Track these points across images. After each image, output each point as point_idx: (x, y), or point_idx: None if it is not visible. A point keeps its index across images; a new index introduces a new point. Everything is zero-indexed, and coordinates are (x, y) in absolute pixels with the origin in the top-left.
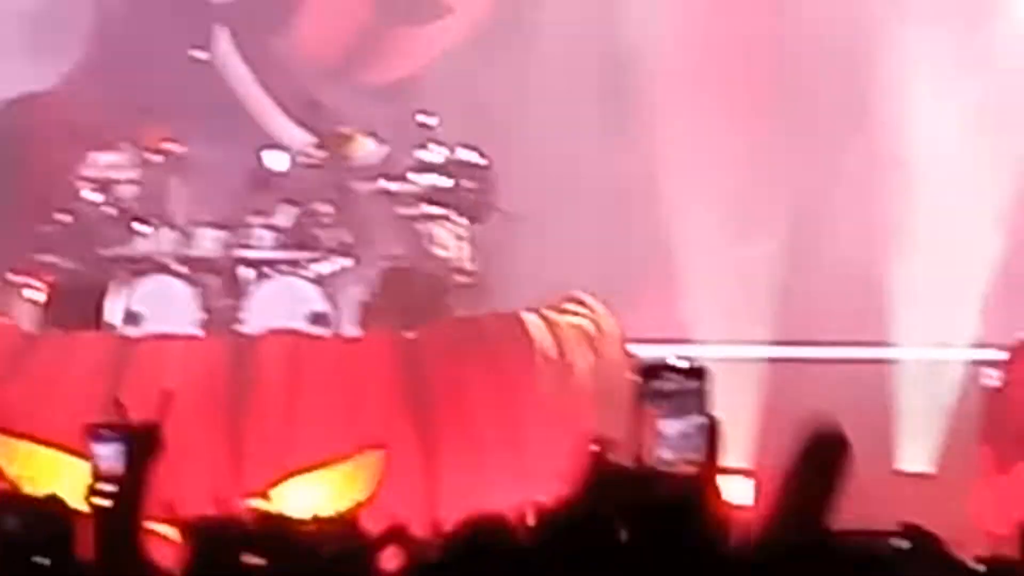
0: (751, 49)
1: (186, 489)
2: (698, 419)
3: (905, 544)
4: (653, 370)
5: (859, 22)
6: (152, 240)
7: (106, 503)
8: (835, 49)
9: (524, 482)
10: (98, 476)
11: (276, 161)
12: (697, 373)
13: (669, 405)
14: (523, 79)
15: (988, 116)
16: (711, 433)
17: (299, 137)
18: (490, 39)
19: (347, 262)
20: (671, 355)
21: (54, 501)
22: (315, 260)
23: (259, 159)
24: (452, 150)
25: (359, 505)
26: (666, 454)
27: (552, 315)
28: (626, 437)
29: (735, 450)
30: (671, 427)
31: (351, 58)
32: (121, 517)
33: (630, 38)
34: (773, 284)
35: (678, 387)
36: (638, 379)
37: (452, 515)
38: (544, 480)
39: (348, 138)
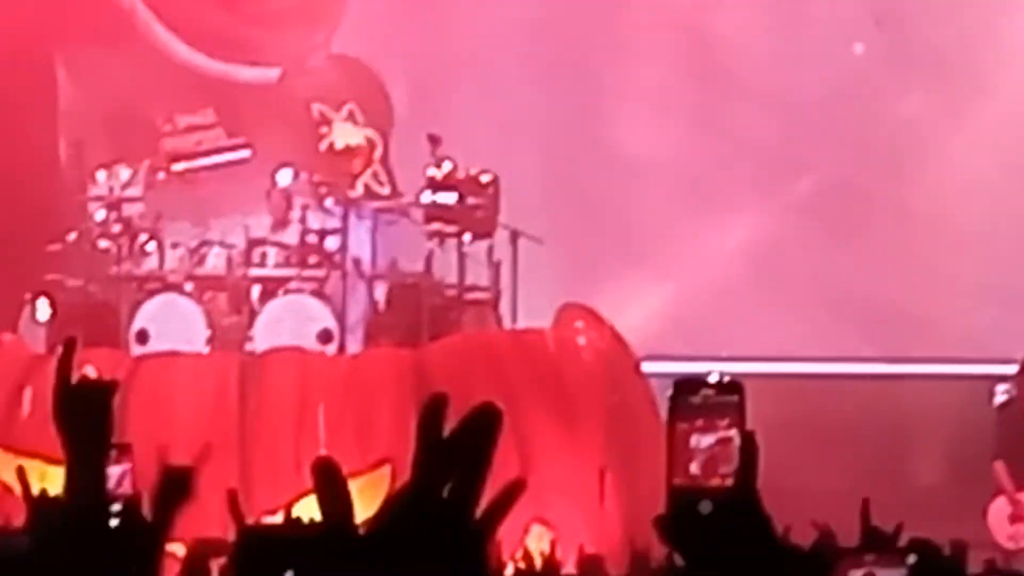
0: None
1: (197, 508)
2: (732, 433)
3: (913, 558)
4: (686, 384)
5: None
6: (159, 258)
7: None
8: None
9: (533, 500)
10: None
11: (283, 177)
12: (731, 388)
13: (703, 420)
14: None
15: None
16: (746, 448)
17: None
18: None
19: (354, 278)
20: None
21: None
22: (323, 278)
23: (271, 176)
24: (459, 167)
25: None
26: (698, 469)
27: (561, 332)
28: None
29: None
30: (704, 442)
31: None
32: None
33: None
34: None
35: (712, 401)
36: (670, 393)
37: None
38: (552, 499)
39: (353, 153)
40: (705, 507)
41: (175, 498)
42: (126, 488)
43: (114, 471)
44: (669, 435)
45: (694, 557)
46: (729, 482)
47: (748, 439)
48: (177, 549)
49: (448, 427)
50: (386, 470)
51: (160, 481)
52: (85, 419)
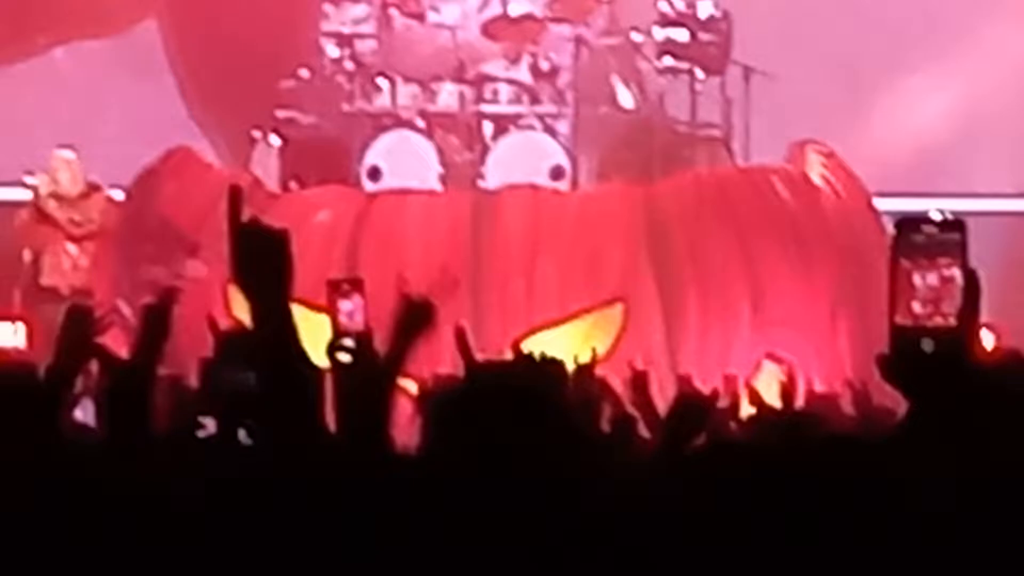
0: None
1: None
2: (955, 272)
3: None
4: (909, 223)
5: None
6: (392, 95)
7: (347, 359)
8: None
9: (765, 338)
10: (340, 332)
11: (516, 9)
12: (954, 225)
13: (925, 258)
14: None
15: None
16: (968, 286)
17: None
18: None
19: (587, 115)
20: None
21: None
22: (555, 114)
23: (503, 7)
24: (691, 3)
25: (599, 359)
26: (921, 308)
27: (793, 169)
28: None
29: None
30: (927, 280)
31: None
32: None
33: None
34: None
35: (934, 239)
36: (894, 232)
37: (692, 371)
38: (784, 336)
39: None
40: (927, 346)
41: (414, 329)
42: (357, 323)
43: (345, 306)
44: (891, 273)
45: (916, 396)
46: (952, 322)
47: (971, 278)
48: (410, 386)
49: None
50: (617, 308)
51: (399, 311)
52: (263, 266)
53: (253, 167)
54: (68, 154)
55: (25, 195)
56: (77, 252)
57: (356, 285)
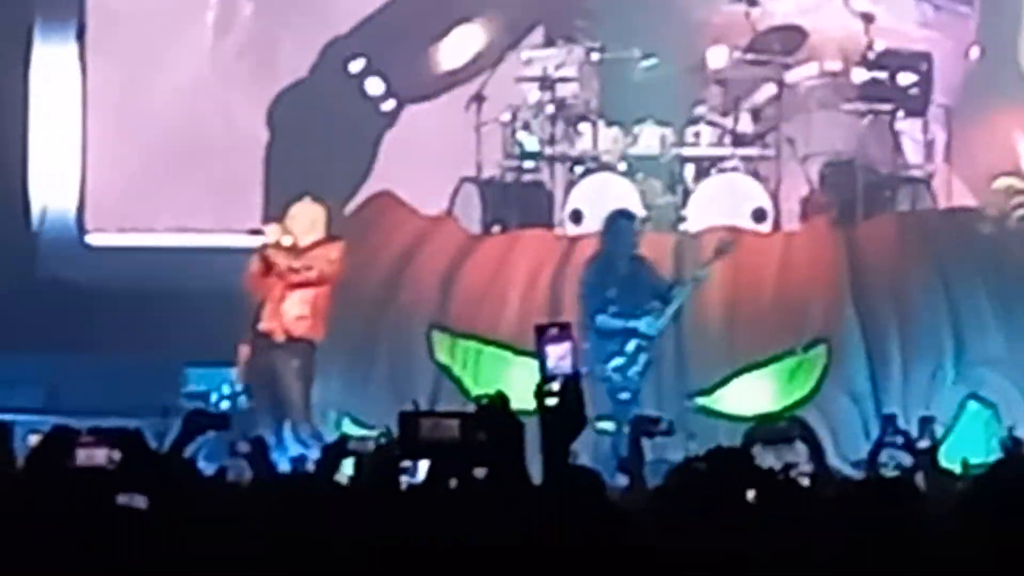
0: None
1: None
2: None
3: None
4: None
5: None
6: (594, 138)
7: (554, 402)
8: None
9: (968, 379)
10: (547, 375)
11: (716, 57)
12: None
13: None
14: None
15: None
16: None
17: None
18: None
19: (788, 157)
20: None
21: (499, 400)
22: (757, 157)
23: (701, 57)
24: (892, 45)
25: (802, 401)
26: None
27: (994, 209)
28: None
29: None
30: None
31: None
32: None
33: None
34: None
35: None
36: None
37: (896, 410)
38: (988, 378)
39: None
40: None
41: None
42: (566, 365)
43: (553, 350)
44: None
45: None
46: None
47: None
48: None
49: None
50: (821, 349)
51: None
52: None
53: (456, 210)
54: (312, 203)
55: None
56: (295, 298)
57: (564, 328)
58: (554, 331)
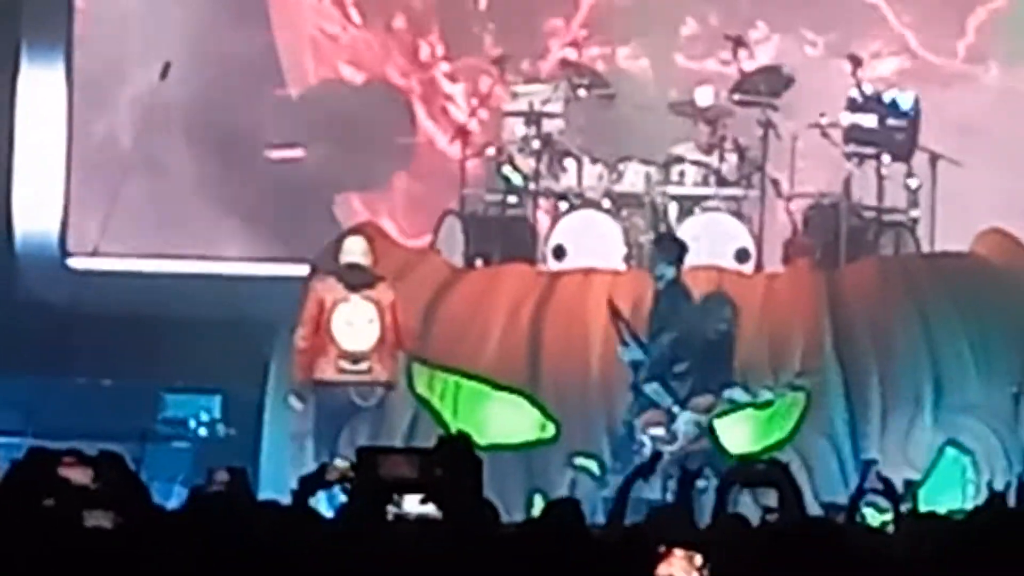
0: None
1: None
2: None
3: None
4: None
5: None
6: (578, 174)
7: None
8: None
9: (946, 424)
10: None
11: (703, 96)
12: None
13: None
14: None
15: None
16: None
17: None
18: None
19: (772, 198)
20: None
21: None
22: (741, 197)
23: (688, 96)
24: (879, 90)
25: (780, 444)
26: None
27: (978, 256)
28: None
29: None
30: None
31: None
32: None
33: None
34: None
35: None
36: None
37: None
38: (967, 424)
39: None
40: None
41: None
42: None
43: None
44: None
45: None
46: None
47: None
48: (590, 465)
49: None
50: (800, 396)
51: None
52: None
53: (439, 244)
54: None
55: None
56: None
57: None
58: None
